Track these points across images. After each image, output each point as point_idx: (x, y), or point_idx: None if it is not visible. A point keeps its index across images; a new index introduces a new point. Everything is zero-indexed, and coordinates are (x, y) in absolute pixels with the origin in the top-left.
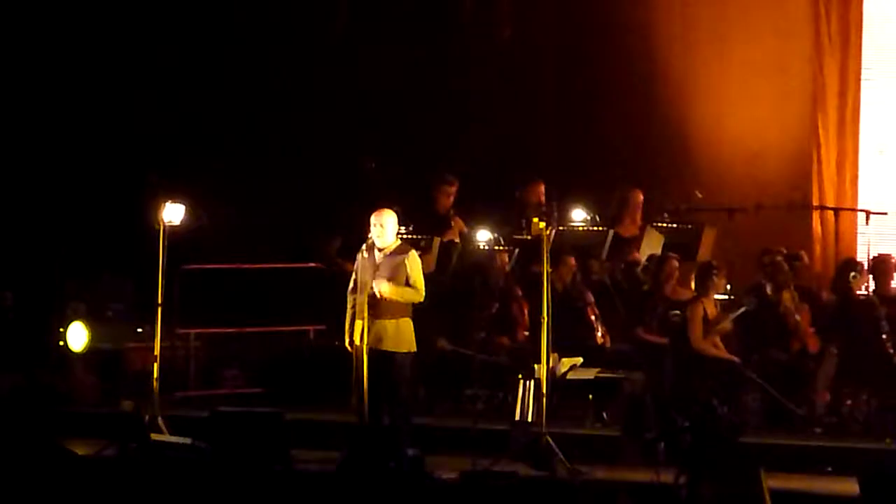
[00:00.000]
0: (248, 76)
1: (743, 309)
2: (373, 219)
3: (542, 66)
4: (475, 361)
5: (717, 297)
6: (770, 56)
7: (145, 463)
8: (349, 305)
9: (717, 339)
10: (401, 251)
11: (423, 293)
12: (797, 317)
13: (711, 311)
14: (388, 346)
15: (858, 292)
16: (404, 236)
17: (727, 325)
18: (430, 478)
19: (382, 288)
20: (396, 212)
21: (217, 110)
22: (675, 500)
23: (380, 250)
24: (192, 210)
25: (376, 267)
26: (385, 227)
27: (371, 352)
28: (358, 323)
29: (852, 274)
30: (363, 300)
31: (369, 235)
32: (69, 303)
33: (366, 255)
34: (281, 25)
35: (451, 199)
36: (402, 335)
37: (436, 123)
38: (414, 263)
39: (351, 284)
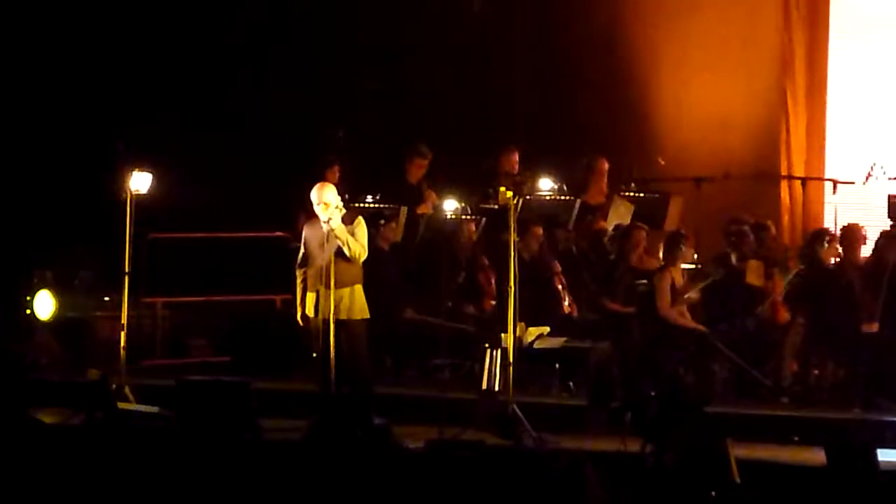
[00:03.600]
0: (216, 44)
1: (710, 279)
2: (313, 196)
3: (508, 34)
4: (442, 331)
5: (684, 266)
6: (739, 25)
7: (112, 432)
8: (298, 280)
9: (684, 309)
10: (348, 220)
11: (365, 255)
12: (769, 284)
13: (678, 280)
14: (343, 314)
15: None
16: (371, 205)
17: (694, 294)
18: (396, 447)
19: (333, 222)
20: (364, 181)
21: (185, 79)
22: (642, 470)
23: (325, 222)
24: None
25: (325, 237)
26: (328, 201)
27: (326, 322)
28: (310, 295)
29: (823, 242)
30: (315, 272)
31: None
32: (35, 271)
33: (314, 226)
34: None
35: (423, 171)
36: (355, 302)
37: (403, 93)
38: (361, 228)
39: (299, 258)
